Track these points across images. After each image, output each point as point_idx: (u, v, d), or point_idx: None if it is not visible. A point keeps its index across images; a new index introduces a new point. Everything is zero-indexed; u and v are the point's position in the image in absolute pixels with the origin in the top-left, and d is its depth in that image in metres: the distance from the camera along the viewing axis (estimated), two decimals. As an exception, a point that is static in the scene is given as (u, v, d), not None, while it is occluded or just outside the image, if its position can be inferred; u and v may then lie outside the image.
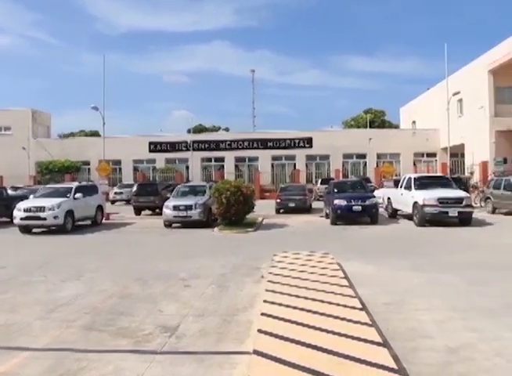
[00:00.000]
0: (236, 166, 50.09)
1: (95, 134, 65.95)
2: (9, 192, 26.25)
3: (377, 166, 45.99)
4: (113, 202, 36.83)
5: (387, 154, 48.37)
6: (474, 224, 19.11)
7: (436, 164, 46.20)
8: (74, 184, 22.50)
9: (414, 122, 55.22)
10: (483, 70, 36.61)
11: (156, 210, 26.16)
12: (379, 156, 48.23)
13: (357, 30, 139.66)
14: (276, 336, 5.90)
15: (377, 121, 73.49)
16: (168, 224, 20.94)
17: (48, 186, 24.17)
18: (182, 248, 14.90)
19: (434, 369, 5.09)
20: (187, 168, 49.83)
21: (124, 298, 8.39)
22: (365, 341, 5.70)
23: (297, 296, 7.76)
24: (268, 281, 9.03)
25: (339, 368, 4.94)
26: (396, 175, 37.34)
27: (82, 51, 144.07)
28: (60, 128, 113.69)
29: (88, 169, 48.94)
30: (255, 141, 49.54)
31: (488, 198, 24.54)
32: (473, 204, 21.10)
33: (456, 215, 18.97)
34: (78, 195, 20.44)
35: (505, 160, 35.06)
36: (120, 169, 49.92)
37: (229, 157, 49.55)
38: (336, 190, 22.18)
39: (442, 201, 18.94)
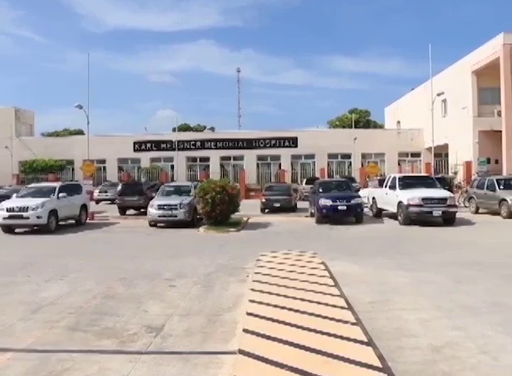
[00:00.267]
0: (222, 165, 50.01)
1: (79, 133, 65.25)
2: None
3: (362, 166, 46.20)
4: (97, 202, 36.52)
5: (372, 154, 48.62)
6: (458, 223, 19.27)
7: (420, 163, 46.51)
8: (58, 183, 22.32)
9: (399, 122, 55.55)
10: (466, 71, 36.97)
11: (141, 209, 26.03)
12: (364, 156, 48.46)
13: (342, 30, 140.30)
14: (262, 335, 5.90)
15: (362, 120, 73.81)
16: (153, 224, 20.85)
17: (31, 185, 23.93)
18: (167, 248, 14.84)
19: (418, 367, 5.12)
20: (172, 167, 49.63)
21: (108, 298, 8.33)
22: (351, 340, 5.72)
23: (282, 295, 7.75)
24: (254, 281, 9.02)
25: (324, 367, 4.94)
26: (381, 175, 37.54)
27: (67, 49, 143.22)
28: (44, 127, 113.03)
29: (72, 168, 48.52)
30: (240, 140, 49.52)
31: (472, 198, 24.74)
32: (456, 204, 21.28)
33: (440, 214, 19.12)
34: (62, 194, 20.28)
35: (488, 160, 35.41)
36: (104, 168, 49.61)
37: (215, 156, 49.46)
38: (321, 190, 22.23)
39: (426, 201, 19.08)
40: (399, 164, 46.74)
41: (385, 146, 47.65)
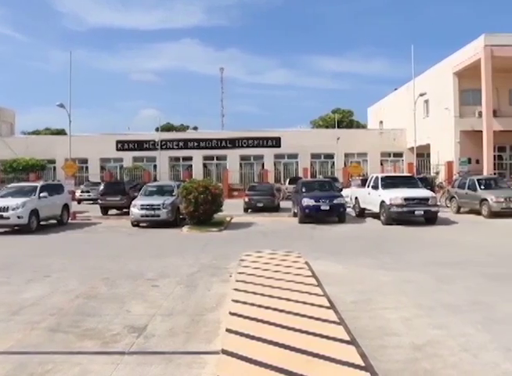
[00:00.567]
0: (205, 165, 49.89)
1: (61, 132, 64.82)
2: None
3: (345, 165, 46.36)
4: (79, 201, 36.28)
5: (355, 154, 48.83)
6: (440, 223, 19.45)
7: (403, 163, 46.80)
8: (39, 183, 22.10)
9: (381, 122, 55.90)
10: (448, 72, 37.32)
11: (124, 209, 25.87)
12: (346, 155, 48.64)
13: (325, 30, 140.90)
14: (245, 335, 5.90)
15: (345, 120, 74.18)
16: (136, 224, 20.75)
17: (11, 185, 23.65)
18: (150, 248, 14.77)
19: (400, 366, 5.16)
20: (155, 166, 49.39)
21: (90, 299, 8.26)
22: (334, 339, 5.74)
23: (266, 295, 7.77)
24: (237, 281, 9.02)
25: (307, 366, 4.96)
26: (363, 175, 37.73)
27: (49, 47, 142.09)
28: (25, 126, 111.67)
29: (54, 168, 47.94)
30: (224, 140, 49.43)
31: (453, 197, 24.98)
32: (438, 204, 21.48)
33: (422, 214, 19.30)
34: (43, 194, 20.07)
35: (469, 160, 35.80)
36: (86, 168, 49.18)
37: (197, 156, 49.31)
38: (304, 190, 22.28)
39: (408, 201, 19.22)
40: (382, 164, 47.02)
41: (368, 146, 47.90)
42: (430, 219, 19.52)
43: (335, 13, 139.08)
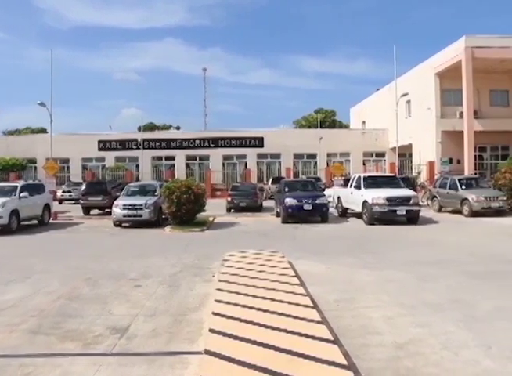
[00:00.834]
0: (187, 165, 49.73)
1: (42, 131, 64.05)
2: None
3: (328, 165, 46.52)
4: (60, 201, 35.98)
5: (338, 154, 49.02)
6: (421, 222, 19.62)
7: (385, 163, 47.14)
8: (20, 183, 21.85)
9: (364, 122, 56.18)
10: (430, 72, 37.63)
11: (106, 209, 25.69)
12: (329, 155, 48.79)
13: (309, 30, 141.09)
14: (228, 335, 5.89)
15: (328, 120, 74.47)
16: (118, 224, 20.62)
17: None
18: (133, 248, 14.68)
19: (383, 364, 5.19)
20: (137, 166, 49.10)
21: (72, 300, 8.19)
22: (317, 338, 5.76)
23: (248, 295, 7.76)
24: (220, 280, 9.00)
25: (291, 366, 4.96)
26: (346, 175, 37.90)
27: (29, 45, 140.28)
28: (5, 125, 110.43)
29: (35, 167, 47.46)
30: (206, 140, 49.32)
31: (435, 197, 25.24)
32: (420, 203, 21.66)
33: (404, 213, 19.44)
34: (24, 194, 19.84)
35: (450, 160, 36.16)
36: (68, 168, 48.77)
37: (180, 155, 49.15)
38: (287, 189, 22.32)
39: (391, 200, 19.35)
40: (364, 164, 47.32)
41: (350, 146, 48.13)
42: (412, 219, 19.68)
43: (319, 14, 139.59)
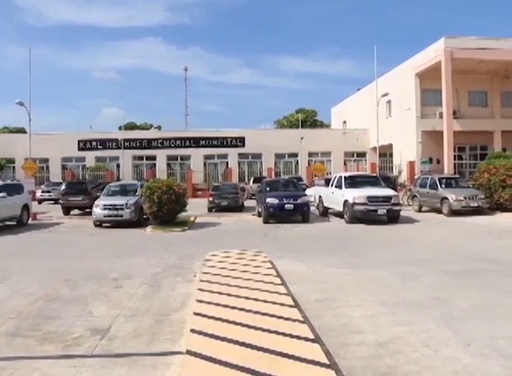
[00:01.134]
0: (168, 164, 49.56)
1: (20, 131, 63.27)
2: None
3: (309, 165, 46.71)
4: (40, 201, 35.59)
5: (319, 153, 49.25)
6: (402, 221, 19.79)
7: (366, 163, 47.48)
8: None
9: (345, 122, 56.48)
10: (410, 73, 37.99)
11: (86, 209, 25.48)
12: (310, 155, 49.01)
13: (289, 30, 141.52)
14: (210, 335, 5.87)
15: (309, 120, 74.75)
16: (98, 224, 20.46)
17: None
18: (113, 248, 14.57)
19: (364, 362, 5.22)
20: (118, 166, 48.83)
21: (52, 301, 8.09)
22: (298, 337, 5.76)
23: (230, 295, 7.74)
24: (201, 280, 8.98)
25: (272, 365, 4.96)
26: (327, 174, 38.06)
27: (7, 43, 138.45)
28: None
29: (13, 167, 46.91)
30: (187, 139, 49.19)
31: (415, 196, 25.47)
32: (401, 202, 21.84)
33: (385, 212, 19.60)
34: (2, 194, 19.56)
35: (430, 160, 36.52)
36: (47, 167, 48.31)
37: (161, 155, 48.95)
38: (268, 189, 22.35)
39: (371, 200, 19.48)
40: (345, 164, 47.62)
41: (331, 146, 48.37)
42: (393, 218, 19.85)
43: (299, 14, 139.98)
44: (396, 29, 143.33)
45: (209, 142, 48.97)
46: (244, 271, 9.74)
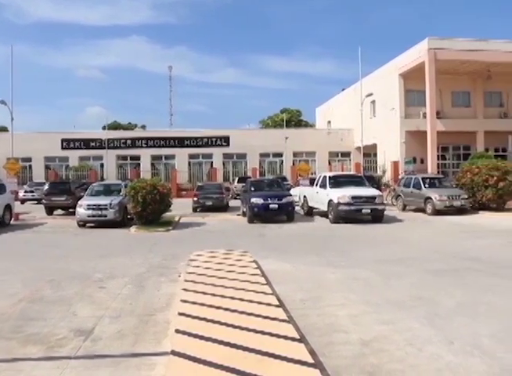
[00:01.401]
0: (153, 164, 49.35)
1: (2, 130, 62.60)
2: None
3: (293, 165, 46.81)
4: (23, 202, 35.26)
5: (303, 153, 49.33)
6: (386, 221, 19.91)
7: (350, 163, 47.64)
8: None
9: (329, 122, 56.64)
10: (394, 73, 38.19)
11: (70, 209, 25.31)
12: (295, 155, 49.07)
13: (273, 30, 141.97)
14: (194, 335, 5.86)
15: (294, 120, 74.92)
16: (82, 224, 20.30)
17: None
18: (97, 248, 14.46)
19: (349, 361, 5.24)
20: (102, 166, 48.49)
21: (35, 302, 8.01)
22: (283, 337, 5.78)
23: (215, 295, 7.74)
24: (186, 280, 8.96)
25: (257, 365, 4.97)
26: (312, 174, 38.14)
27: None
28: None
29: (-5, 167, 46.43)
30: (172, 139, 49.01)
31: (399, 196, 25.66)
32: (385, 202, 21.98)
33: (369, 212, 19.70)
34: (-16, 194, 19.38)
35: (414, 160, 36.77)
36: (30, 167, 47.81)
37: (145, 155, 48.73)
38: (253, 189, 22.35)
39: (356, 199, 19.57)
40: (330, 164, 47.77)
41: (316, 146, 48.49)
42: (377, 217, 19.96)
43: (283, 13, 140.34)
44: (380, 29, 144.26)
45: (194, 141, 48.83)
46: (229, 271, 9.74)
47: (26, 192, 36.73)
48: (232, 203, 29.38)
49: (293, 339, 5.72)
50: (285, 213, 21.04)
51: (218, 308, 7.02)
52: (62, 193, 26.57)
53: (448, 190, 23.12)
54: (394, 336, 6.00)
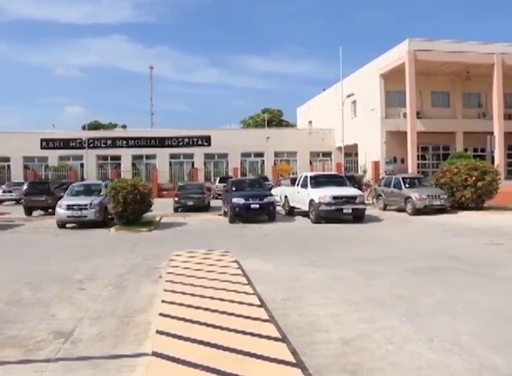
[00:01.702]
0: (133, 164, 49.09)
1: (-20, 130, 61.85)
2: None
3: (275, 164, 46.92)
4: (1, 202, 34.86)
5: (285, 153, 49.44)
6: (367, 220, 20.03)
7: (331, 163, 47.85)
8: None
9: (310, 122, 56.83)
10: (375, 74, 38.45)
11: (49, 210, 25.04)
12: (276, 154, 49.17)
13: (255, 30, 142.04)
14: (175, 336, 5.83)
15: (275, 120, 74.98)
16: (62, 224, 20.09)
17: None
18: (77, 249, 14.32)
19: (330, 360, 5.25)
20: (82, 165, 48.10)
21: (12, 304, 7.90)
22: (265, 337, 5.77)
23: (196, 295, 7.71)
24: (167, 281, 8.91)
25: (239, 365, 4.96)
26: (293, 174, 38.22)
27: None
28: None
29: (-27, 167, 45.86)
30: (153, 139, 48.81)
31: (380, 196, 25.82)
32: (366, 202, 22.10)
33: (350, 211, 19.80)
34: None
35: (394, 160, 37.08)
36: (8, 167, 47.26)
37: (126, 155, 48.44)
38: (234, 189, 22.32)
39: (337, 199, 19.64)
40: (311, 163, 47.93)
41: (297, 146, 48.62)
42: (358, 217, 20.07)
43: (264, 13, 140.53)
44: (361, 30, 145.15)
45: (175, 141, 48.65)
46: (210, 271, 9.71)
47: (4, 192, 36.30)
48: (214, 203, 29.33)
49: (274, 339, 5.72)
50: (266, 213, 21.06)
51: (200, 308, 6.99)
52: (41, 193, 26.31)
53: (428, 190, 23.31)
54: (375, 334, 6.04)
